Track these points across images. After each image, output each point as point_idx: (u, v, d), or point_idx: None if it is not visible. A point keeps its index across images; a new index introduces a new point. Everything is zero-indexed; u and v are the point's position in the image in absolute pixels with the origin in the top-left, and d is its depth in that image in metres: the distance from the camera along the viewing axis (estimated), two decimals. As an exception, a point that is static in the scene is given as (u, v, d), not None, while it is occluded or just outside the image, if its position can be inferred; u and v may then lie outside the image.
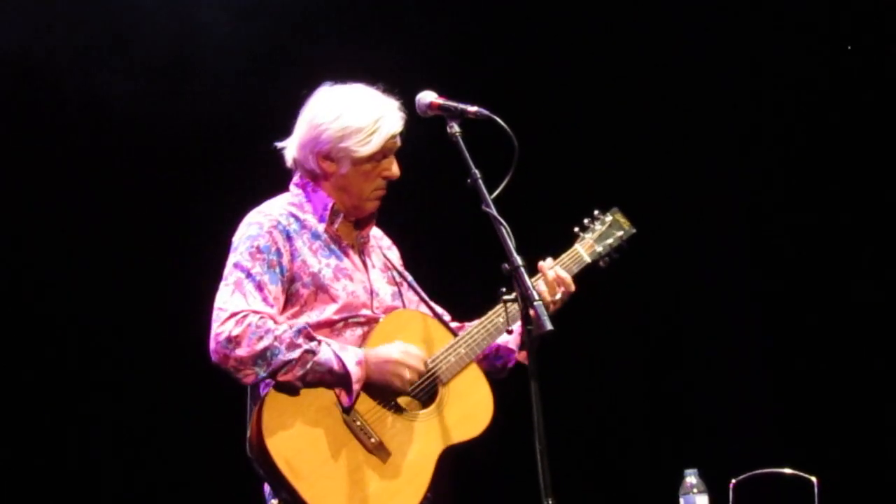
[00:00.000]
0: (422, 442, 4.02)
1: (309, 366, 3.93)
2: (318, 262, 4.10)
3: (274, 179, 4.28)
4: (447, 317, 4.38)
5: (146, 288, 5.85)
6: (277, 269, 4.03)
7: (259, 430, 3.91)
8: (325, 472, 3.91)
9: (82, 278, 5.82)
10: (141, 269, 5.84)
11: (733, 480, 4.74)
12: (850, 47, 6.46)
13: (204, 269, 4.29)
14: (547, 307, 4.14)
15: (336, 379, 3.96)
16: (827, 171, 6.45)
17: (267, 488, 4.04)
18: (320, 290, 4.07)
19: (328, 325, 4.07)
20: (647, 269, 6.16)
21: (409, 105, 4.10)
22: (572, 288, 4.26)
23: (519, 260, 3.67)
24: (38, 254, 5.79)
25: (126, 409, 5.85)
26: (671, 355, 6.57)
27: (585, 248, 4.39)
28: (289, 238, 4.08)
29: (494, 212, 3.74)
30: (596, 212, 4.46)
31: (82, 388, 5.80)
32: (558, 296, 4.22)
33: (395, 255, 4.40)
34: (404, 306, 4.26)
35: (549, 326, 3.59)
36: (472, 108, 3.93)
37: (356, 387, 3.96)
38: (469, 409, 4.09)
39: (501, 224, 3.71)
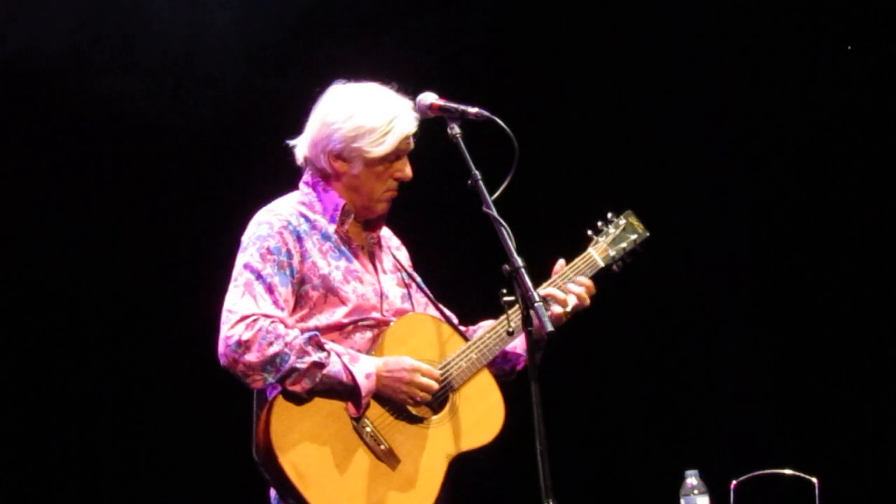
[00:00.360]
0: (432, 449, 3.98)
1: (318, 378, 3.89)
2: (327, 263, 4.05)
3: (284, 178, 4.23)
4: (455, 319, 4.33)
5: (154, 288, 5.84)
6: (288, 271, 3.99)
7: (267, 434, 3.87)
8: (333, 478, 3.87)
9: (89, 278, 5.81)
10: (149, 269, 5.84)
11: (734, 481, 4.74)
12: (850, 47, 6.46)
13: (213, 269, 4.25)
14: (560, 318, 4.14)
15: (345, 390, 3.92)
16: (827, 171, 6.45)
17: (273, 493, 4.00)
18: (330, 293, 4.03)
19: (338, 329, 4.03)
20: (648, 269, 6.15)
21: (409, 106, 4.10)
22: (587, 301, 4.20)
23: (519, 261, 3.66)
24: (42, 253, 5.79)
25: (132, 412, 5.83)
26: (672, 356, 6.56)
27: (599, 253, 4.33)
28: (299, 239, 4.03)
29: (495, 213, 3.73)
30: (609, 214, 4.40)
31: (86, 388, 5.79)
32: (569, 308, 4.18)
33: (404, 255, 4.35)
34: (413, 308, 4.21)
35: (549, 328, 3.58)
36: (473, 110, 3.91)
37: (364, 400, 3.93)
38: (480, 415, 4.06)
39: (502, 225, 3.70)
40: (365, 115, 4.04)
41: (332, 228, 4.10)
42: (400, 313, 4.15)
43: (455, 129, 3.90)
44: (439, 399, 4.04)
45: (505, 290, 3.79)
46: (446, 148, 3.91)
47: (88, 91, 5.79)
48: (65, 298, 5.80)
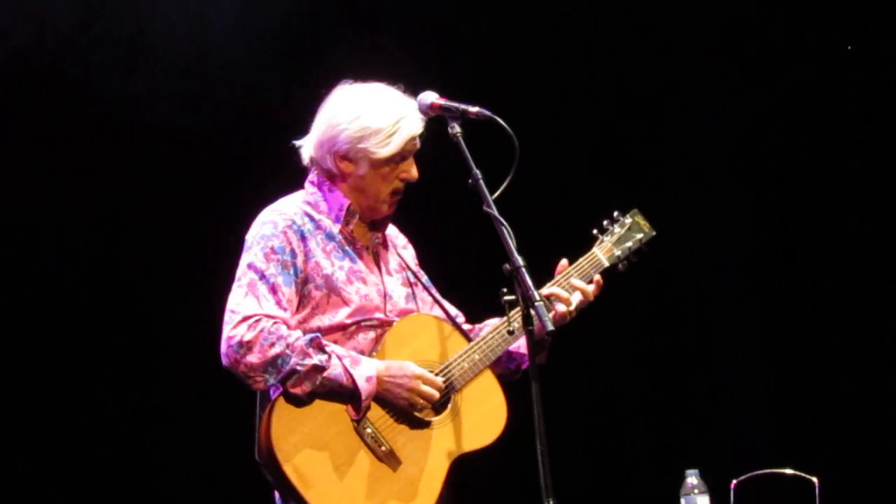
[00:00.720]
0: (434, 450, 3.98)
1: (318, 382, 3.89)
2: (331, 264, 4.05)
3: (291, 177, 4.23)
4: (461, 318, 4.34)
5: (157, 287, 5.84)
6: (291, 271, 3.99)
7: (268, 435, 3.87)
8: (334, 480, 3.87)
9: (95, 276, 5.81)
10: (155, 267, 5.84)
11: (734, 481, 4.73)
12: (850, 47, 6.46)
13: (220, 268, 4.24)
14: (565, 317, 4.13)
15: (346, 393, 3.92)
16: (827, 171, 6.45)
17: (278, 494, 4.00)
18: (333, 293, 4.02)
19: (340, 329, 4.03)
20: (648, 269, 6.15)
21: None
22: (591, 297, 4.20)
23: (520, 260, 3.66)
24: (47, 252, 5.78)
25: (138, 412, 5.82)
26: (672, 355, 6.56)
27: (604, 252, 4.32)
28: (303, 238, 4.03)
29: (496, 212, 3.72)
30: (615, 213, 4.38)
31: (90, 388, 5.79)
32: (573, 306, 4.17)
33: (410, 253, 4.35)
34: (418, 308, 4.21)
35: (550, 327, 3.59)
36: (474, 109, 3.90)
37: (365, 403, 3.93)
38: (482, 416, 4.05)
39: (503, 224, 3.70)
40: (371, 116, 4.03)
41: (336, 228, 4.10)
42: (404, 313, 4.14)
43: (456, 129, 3.89)
44: (442, 400, 4.03)
45: (506, 290, 3.79)
46: (447, 147, 3.91)
47: (93, 89, 5.79)
48: (69, 297, 5.80)
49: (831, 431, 6.31)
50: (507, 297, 3.80)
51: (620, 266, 4.34)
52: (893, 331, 6.35)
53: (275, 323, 3.89)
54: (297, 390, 3.89)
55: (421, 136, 4.08)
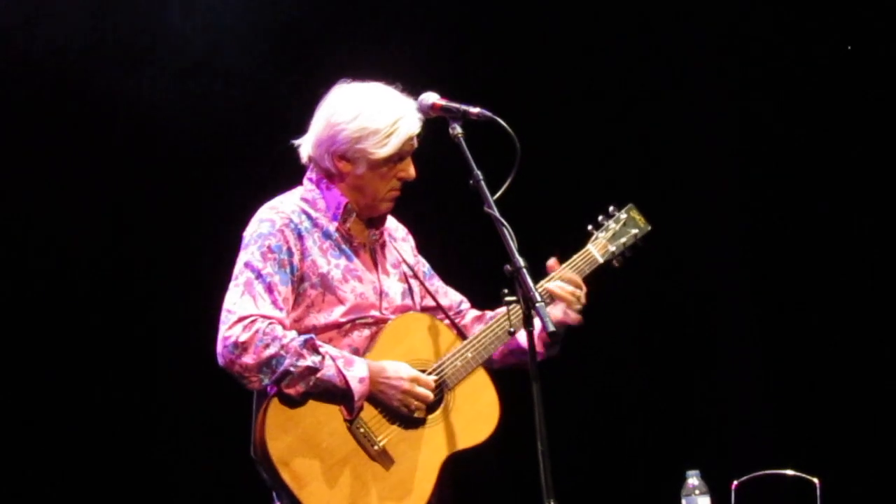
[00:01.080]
0: (426, 449, 3.99)
1: (311, 383, 3.90)
2: (327, 262, 4.06)
3: (291, 175, 4.23)
4: (466, 304, 4.35)
5: (155, 287, 5.84)
6: (288, 269, 4.00)
7: (262, 434, 3.89)
8: (327, 479, 3.89)
9: (96, 276, 5.82)
10: (162, 266, 5.84)
11: (735, 482, 4.73)
12: (850, 47, 6.46)
13: (225, 267, 4.24)
14: (578, 321, 4.13)
15: (339, 394, 3.93)
16: (827, 171, 6.44)
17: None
18: (328, 292, 4.03)
19: (336, 327, 4.04)
20: (648, 269, 6.15)
21: (410, 106, 4.09)
22: (581, 294, 4.18)
23: (521, 261, 3.66)
24: (53, 251, 5.79)
25: (135, 411, 5.82)
26: (672, 356, 6.56)
27: (598, 249, 4.31)
28: (300, 236, 4.04)
29: (496, 213, 3.72)
30: (611, 208, 4.37)
31: (89, 388, 5.79)
32: (577, 306, 4.16)
33: (409, 245, 4.36)
34: (415, 305, 4.22)
35: (551, 328, 3.58)
36: (474, 110, 3.91)
37: (358, 404, 3.94)
38: (475, 414, 4.06)
39: (503, 225, 3.69)
40: (369, 116, 4.03)
41: (333, 226, 4.11)
42: (400, 310, 4.15)
43: (457, 129, 3.89)
44: (434, 398, 4.04)
45: (507, 290, 3.79)
46: (448, 148, 3.90)
47: (98, 90, 5.79)
48: (69, 297, 5.80)
49: (832, 432, 6.30)
50: (508, 298, 3.80)
51: (615, 262, 4.33)
52: (893, 331, 6.34)
53: (270, 324, 3.90)
54: (291, 391, 3.90)
55: (419, 135, 4.09)
